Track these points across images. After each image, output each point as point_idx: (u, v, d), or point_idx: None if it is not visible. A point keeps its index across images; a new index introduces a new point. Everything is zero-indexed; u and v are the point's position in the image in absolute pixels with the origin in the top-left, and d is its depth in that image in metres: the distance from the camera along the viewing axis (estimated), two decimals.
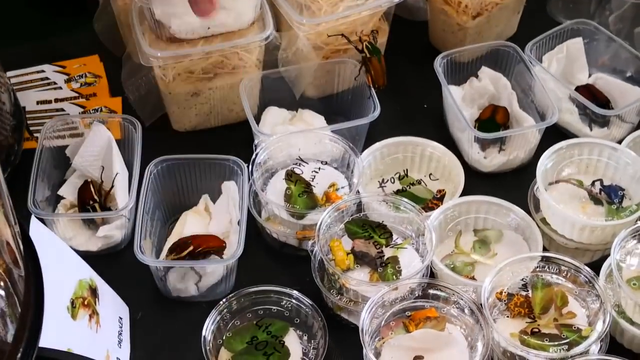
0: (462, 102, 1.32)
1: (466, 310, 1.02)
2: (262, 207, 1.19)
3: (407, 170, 1.26)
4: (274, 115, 1.30)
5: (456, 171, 1.23)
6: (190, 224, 1.16)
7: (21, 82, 1.42)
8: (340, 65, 1.32)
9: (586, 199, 1.18)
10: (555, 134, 1.29)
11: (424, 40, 1.50)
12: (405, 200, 1.13)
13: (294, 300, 1.06)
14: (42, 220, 1.03)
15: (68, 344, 0.90)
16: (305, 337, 1.05)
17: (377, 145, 1.25)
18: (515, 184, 1.25)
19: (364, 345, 0.98)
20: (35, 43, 1.50)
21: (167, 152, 1.19)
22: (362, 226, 1.12)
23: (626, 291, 1.03)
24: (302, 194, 1.16)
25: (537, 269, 1.07)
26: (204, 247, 1.10)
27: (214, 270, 1.11)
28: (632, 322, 1.04)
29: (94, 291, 1.02)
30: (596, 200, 1.17)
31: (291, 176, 1.18)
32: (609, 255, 1.08)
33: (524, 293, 1.05)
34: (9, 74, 1.39)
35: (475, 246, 1.16)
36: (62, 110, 1.38)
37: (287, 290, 1.07)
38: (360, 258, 1.08)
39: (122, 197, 1.18)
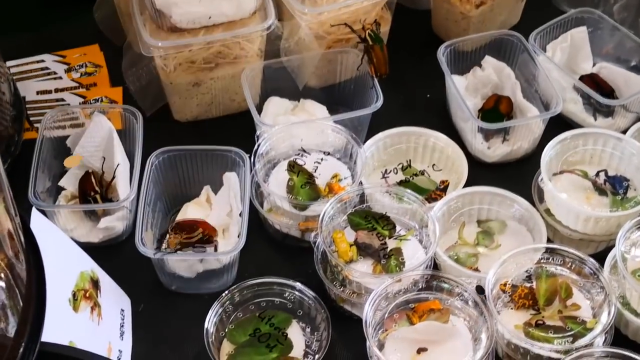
0: (465, 91, 1.31)
1: (470, 302, 1.02)
2: (264, 199, 1.18)
3: (410, 160, 1.25)
4: (276, 105, 1.30)
5: (459, 162, 1.22)
6: (190, 215, 1.15)
7: (21, 72, 1.41)
8: (343, 54, 1.31)
9: (591, 190, 1.17)
10: (559, 124, 1.28)
11: (427, 29, 1.48)
12: (409, 191, 1.13)
13: (296, 292, 1.06)
14: (42, 212, 1.03)
15: (70, 337, 0.89)
16: (308, 329, 1.05)
17: (380, 135, 1.24)
18: (519, 175, 1.24)
19: (367, 338, 0.97)
20: (35, 32, 1.49)
21: (168, 143, 1.19)
22: (365, 217, 1.11)
23: (631, 282, 1.02)
24: (304, 185, 1.15)
25: (542, 261, 1.06)
26: (207, 232, 1.09)
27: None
28: (637, 314, 1.04)
29: (95, 283, 1.02)
30: (601, 191, 1.17)
31: (293, 167, 1.18)
32: (613, 246, 1.07)
33: (528, 285, 1.05)
34: (9, 63, 1.38)
35: (478, 237, 1.15)
36: (63, 100, 1.37)
37: (290, 282, 1.06)
38: (363, 249, 1.07)
39: (124, 188, 1.17)
